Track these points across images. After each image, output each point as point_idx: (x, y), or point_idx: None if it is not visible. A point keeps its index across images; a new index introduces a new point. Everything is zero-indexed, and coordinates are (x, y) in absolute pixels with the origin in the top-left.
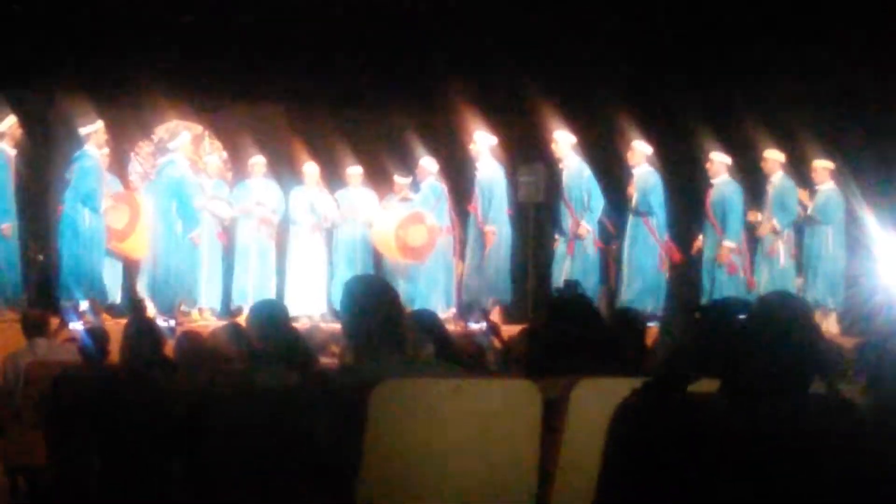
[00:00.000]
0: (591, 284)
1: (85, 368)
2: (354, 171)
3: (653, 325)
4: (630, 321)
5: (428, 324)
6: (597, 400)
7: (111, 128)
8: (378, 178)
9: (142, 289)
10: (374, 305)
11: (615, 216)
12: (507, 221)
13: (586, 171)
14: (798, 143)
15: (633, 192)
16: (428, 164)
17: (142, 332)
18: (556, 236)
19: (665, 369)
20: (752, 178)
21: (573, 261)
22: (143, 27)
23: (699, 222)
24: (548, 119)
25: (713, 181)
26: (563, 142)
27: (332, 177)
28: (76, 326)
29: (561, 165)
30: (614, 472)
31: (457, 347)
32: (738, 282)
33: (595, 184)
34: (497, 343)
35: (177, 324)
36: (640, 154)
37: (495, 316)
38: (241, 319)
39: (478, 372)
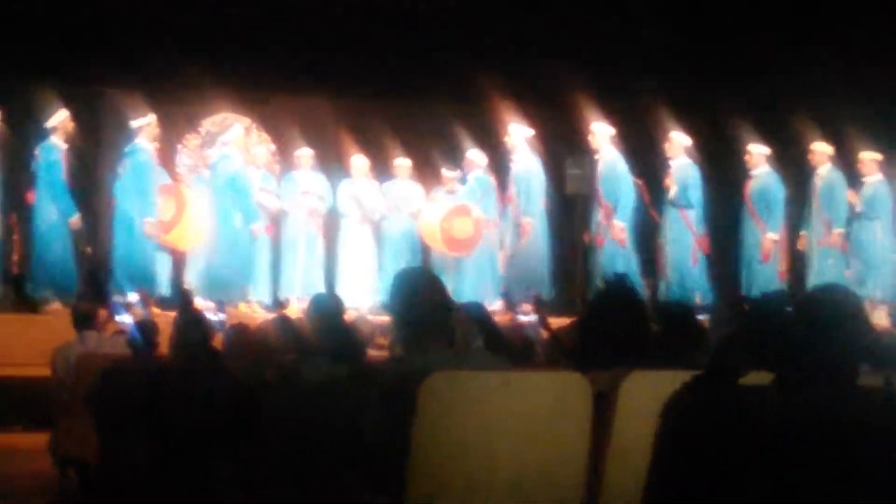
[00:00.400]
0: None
1: (134, 361)
2: (402, 163)
3: (703, 317)
4: (681, 313)
5: (477, 316)
6: (647, 392)
7: (158, 120)
8: (426, 171)
9: (190, 281)
10: (423, 297)
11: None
12: (543, 214)
13: (620, 165)
14: (844, 134)
15: (671, 185)
16: (475, 156)
17: (190, 324)
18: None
19: (715, 362)
20: (793, 172)
21: (602, 255)
22: (190, 19)
23: (738, 214)
24: (592, 111)
25: (752, 172)
26: (601, 134)
27: (381, 169)
28: (125, 319)
29: (597, 157)
30: (665, 465)
31: (506, 339)
32: (775, 273)
33: (628, 179)
34: (546, 334)
35: (226, 316)
36: (679, 145)
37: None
38: (289, 312)
39: (527, 364)
